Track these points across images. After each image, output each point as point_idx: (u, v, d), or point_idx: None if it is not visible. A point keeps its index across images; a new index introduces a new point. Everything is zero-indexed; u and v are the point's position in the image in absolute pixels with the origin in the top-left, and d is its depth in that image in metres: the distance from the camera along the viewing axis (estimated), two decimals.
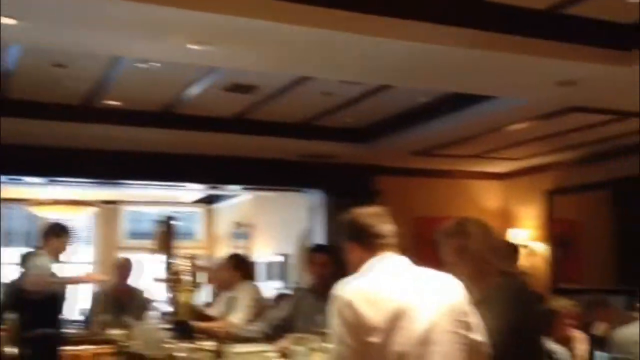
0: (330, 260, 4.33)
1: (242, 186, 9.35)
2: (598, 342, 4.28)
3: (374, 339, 2.12)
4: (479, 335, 2.30)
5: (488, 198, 9.23)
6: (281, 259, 9.80)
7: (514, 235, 8.84)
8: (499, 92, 5.74)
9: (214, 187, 9.88)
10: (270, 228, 10.42)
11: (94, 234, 11.50)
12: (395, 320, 2.15)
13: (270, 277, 9.90)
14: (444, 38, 4.31)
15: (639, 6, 4.30)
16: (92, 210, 10.37)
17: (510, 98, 5.84)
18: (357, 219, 2.41)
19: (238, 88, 5.97)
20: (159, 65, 5.15)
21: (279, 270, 9.82)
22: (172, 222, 5.77)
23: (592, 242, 8.34)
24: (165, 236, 5.52)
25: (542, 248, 8.69)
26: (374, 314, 2.14)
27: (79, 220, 10.46)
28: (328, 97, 6.28)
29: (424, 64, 4.76)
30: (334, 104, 6.53)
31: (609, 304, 5.96)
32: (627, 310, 4.55)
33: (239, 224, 11.17)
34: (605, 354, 3.86)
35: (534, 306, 2.64)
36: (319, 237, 8.09)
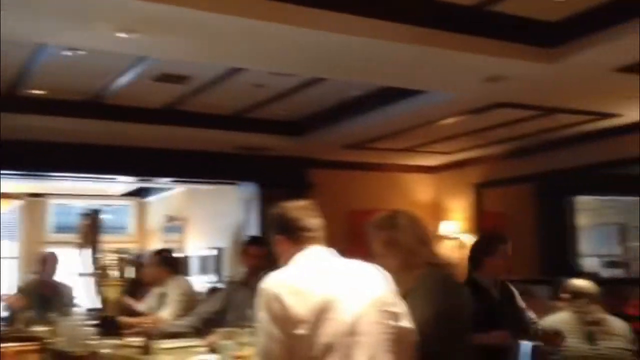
0: (264, 253, 4.32)
1: (173, 179, 9.21)
2: (524, 331, 4.40)
3: (301, 331, 2.13)
4: (406, 323, 2.33)
5: (419, 191, 9.39)
6: (215, 252, 9.71)
7: (445, 228, 9.03)
8: (429, 87, 5.82)
9: (144, 180, 9.69)
10: (203, 221, 10.31)
11: (19, 228, 11.12)
12: (322, 312, 2.16)
13: (204, 271, 9.80)
14: (375, 31, 4.34)
15: (563, 4, 4.44)
16: (16, 203, 10.02)
17: (440, 93, 5.93)
18: (284, 212, 2.44)
19: (169, 78, 5.86)
20: (84, 53, 4.99)
21: (212, 264, 9.73)
22: (97, 215, 5.62)
23: (519, 234, 8.58)
24: (91, 230, 5.37)
25: (471, 240, 8.88)
26: (301, 306, 2.15)
27: (3, 213, 10.09)
28: (261, 89, 6.24)
29: (355, 57, 4.79)
30: (267, 96, 6.49)
31: (533, 294, 6.15)
32: (550, 300, 4.70)
33: (171, 218, 11.01)
34: (529, 343, 3.97)
35: (460, 296, 2.68)
36: (253, 231, 8.05)
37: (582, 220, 9.22)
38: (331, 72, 5.38)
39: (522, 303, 3.98)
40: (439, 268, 2.73)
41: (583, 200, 9.26)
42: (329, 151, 8.24)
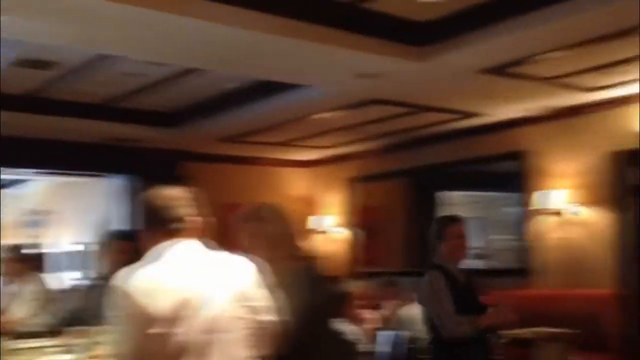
0: (130, 248, 4.16)
1: (35, 170, 8.69)
2: (387, 321, 4.52)
3: (156, 329, 2.03)
4: (269, 317, 2.30)
5: (295, 185, 9.44)
6: (82, 247, 9.29)
7: (319, 222, 9.14)
8: (304, 81, 5.85)
9: (5, 171, 9.08)
10: (70, 215, 9.84)
11: None
12: (179, 309, 2.07)
13: (69, 267, 9.35)
14: (250, 23, 4.30)
15: (433, 6, 4.59)
16: None
17: (316, 87, 5.98)
18: (152, 201, 2.28)
19: (33, 63, 5.53)
20: None
21: (79, 260, 9.30)
22: None
23: (391, 227, 8.84)
24: None
25: (345, 233, 9.05)
26: (156, 304, 2.04)
27: None
28: (133, 78, 6.02)
29: (230, 49, 4.73)
30: (139, 85, 6.27)
31: (399, 285, 6.34)
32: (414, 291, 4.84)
33: (33, 211, 10.42)
34: (387, 332, 4.08)
35: (325, 289, 2.70)
36: (123, 225, 7.77)
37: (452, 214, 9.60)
38: (206, 63, 5.29)
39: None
40: (305, 261, 2.73)
41: (452, 195, 9.67)
42: (204, 144, 8.11)
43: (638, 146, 6.13)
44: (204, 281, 2.18)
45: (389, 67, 5.20)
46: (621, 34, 4.53)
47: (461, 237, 3.62)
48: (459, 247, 3.61)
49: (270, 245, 2.66)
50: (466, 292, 3.59)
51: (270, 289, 2.42)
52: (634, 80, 5.72)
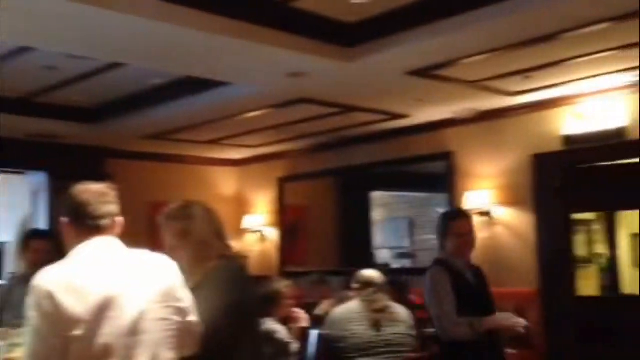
0: (49, 247, 4.06)
1: None
2: (318, 321, 4.52)
3: (77, 332, 1.95)
4: (192, 318, 2.26)
5: (223, 184, 9.34)
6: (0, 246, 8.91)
7: (248, 221, 9.07)
8: (232, 79, 5.78)
9: None
10: None
11: None
12: (101, 310, 2.00)
13: None
14: (176, 18, 4.21)
15: (362, 7, 4.61)
16: None
17: (244, 85, 5.92)
18: (75, 197, 2.20)
19: None
20: None
21: None
22: None
23: (320, 227, 8.87)
24: None
25: (275, 233, 9.02)
26: (77, 304, 1.97)
27: None
28: (53, 72, 5.80)
29: (154, 43, 4.61)
30: (59, 80, 6.04)
31: (329, 284, 6.38)
32: (345, 290, 4.87)
33: None
34: (317, 331, 4.08)
35: (252, 288, 2.66)
36: (43, 224, 7.50)
37: (379, 214, 9.73)
38: (129, 57, 5.14)
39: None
40: (232, 261, 2.69)
41: (379, 195, 9.79)
42: (128, 141, 7.91)
43: (559, 149, 6.35)
44: (128, 281, 2.12)
45: (318, 67, 5.20)
46: (544, 38, 4.67)
47: (468, 232, 3.47)
48: (466, 242, 3.47)
49: (197, 245, 2.60)
50: (474, 289, 3.45)
51: (195, 289, 2.37)
52: (556, 85, 5.92)
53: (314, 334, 4.03)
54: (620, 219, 6.90)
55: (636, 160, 6.02)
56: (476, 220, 6.83)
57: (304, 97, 6.23)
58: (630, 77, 5.72)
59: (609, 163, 6.44)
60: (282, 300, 4.16)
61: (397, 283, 5.59)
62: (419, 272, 7.97)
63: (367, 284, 4.05)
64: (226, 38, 4.50)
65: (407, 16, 4.66)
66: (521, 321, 3.30)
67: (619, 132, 6.01)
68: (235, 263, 2.69)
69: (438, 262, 3.47)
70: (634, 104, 5.95)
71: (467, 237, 3.46)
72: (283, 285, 4.27)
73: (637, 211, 6.40)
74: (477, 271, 3.53)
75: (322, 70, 5.28)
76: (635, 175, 5.92)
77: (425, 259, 9.26)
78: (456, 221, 3.48)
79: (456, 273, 3.40)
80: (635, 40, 4.75)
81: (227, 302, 2.47)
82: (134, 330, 2.06)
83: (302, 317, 4.28)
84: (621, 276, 6.74)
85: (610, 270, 6.66)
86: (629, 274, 6.75)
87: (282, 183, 8.96)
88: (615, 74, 5.65)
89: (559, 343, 6.09)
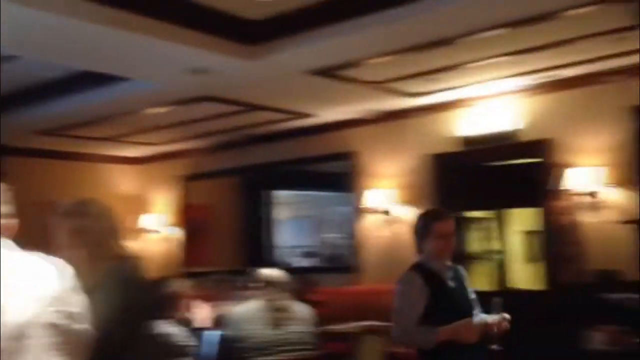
0: None
1: None
2: (218, 321, 4.46)
3: None
4: (82, 324, 2.16)
5: (122, 183, 9.07)
6: None
7: (149, 221, 8.86)
8: (131, 74, 5.62)
9: None
10: None
11: None
12: None
13: None
14: (72, 10, 4.05)
15: (266, 5, 4.59)
16: None
17: (145, 81, 5.77)
18: None
19: None
20: None
21: None
22: None
23: (224, 226, 8.78)
24: None
25: (175, 233, 8.84)
26: None
27: None
28: None
29: (49, 36, 4.43)
30: None
31: (232, 283, 6.30)
32: (246, 290, 4.83)
33: None
34: (217, 332, 4.03)
35: (146, 290, 2.59)
36: None
37: (282, 213, 9.75)
38: (23, 49, 4.91)
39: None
40: (127, 262, 2.60)
41: (282, 194, 9.81)
42: (21, 137, 7.54)
43: (456, 149, 6.57)
44: (14, 284, 2.00)
45: (221, 65, 5.14)
46: (443, 42, 4.81)
47: (450, 234, 3.27)
48: (447, 245, 3.26)
49: (92, 244, 2.49)
50: (453, 291, 3.25)
51: (87, 291, 2.28)
52: (454, 87, 6.11)
53: (213, 334, 3.97)
54: (512, 216, 7.20)
55: (527, 160, 6.31)
56: (377, 219, 6.99)
57: (207, 95, 6.15)
58: (523, 82, 5.99)
59: (502, 163, 6.71)
60: (181, 301, 4.08)
61: (299, 282, 5.60)
62: (322, 270, 8.11)
63: (268, 283, 4.03)
64: (125, 32, 4.38)
65: (311, 15, 4.69)
66: (474, 328, 3.09)
67: (512, 134, 6.28)
68: (130, 264, 2.60)
69: (414, 268, 3.28)
70: (526, 108, 6.23)
71: (448, 239, 3.27)
72: (183, 286, 4.19)
73: (528, 209, 6.70)
74: (456, 270, 3.37)
75: (224, 67, 5.22)
76: (525, 175, 6.20)
77: (329, 257, 9.40)
78: (439, 222, 3.26)
79: (434, 276, 3.22)
80: (527, 46, 4.98)
81: (119, 305, 2.38)
82: (20, 335, 1.95)
83: (201, 318, 4.21)
84: (514, 272, 7.04)
85: (501, 266, 6.97)
86: (520, 269, 7.06)
87: (185, 182, 8.80)
88: (509, 79, 5.89)
89: None
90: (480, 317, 3.27)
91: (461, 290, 3.33)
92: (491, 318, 3.18)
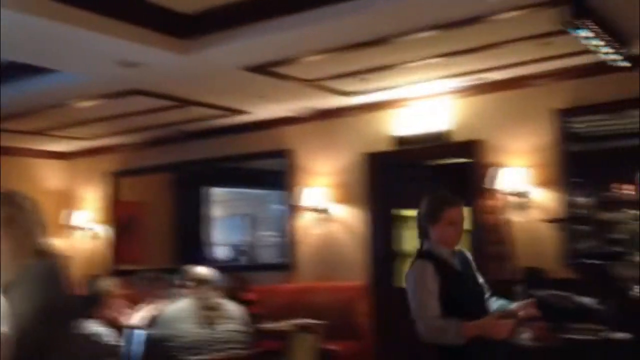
0: None
1: None
2: (148, 320, 4.37)
3: None
4: (3, 326, 2.07)
5: (49, 178, 8.79)
6: None
7: (77, 218, 8.61)
8: (59, 66, 5.45)
9: None
10: None
11: None
12: None
13: None
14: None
15: None
16: None
17: (73, 73, 5.59)
18: None
19: None
20: None
21: None
22: None
23: (156, 223, 8.61)
24: None
25: (105, 230, 8.63)
26: None
27: None
28: None
29: None
30: None
31: (163, 282, 6.17)
32: (177, 288, 4.75)
33: None
34: (144, 331, 3.95)
35: (68, 289, 2.50)
36: None
37: (217, 210, 9.64)
38: None
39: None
40: (49, 258, 2.50)
41: (217, 192, 9.70)
42: None
43: (389, 149, 6.64)
44: None
45: (152, 58, 5.03)
46: (378, 41, 4.84)
47: (461, 221, 3.12)
48: (457, 232, 3.11)
49: (20, 236, 2.39)
50: (463, 277, 3.12)
51: (8, 288, 2.19)
52: (389, 87, 6.17)
53: (142, 333, 3.89)
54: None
55: (458, 160, 6.43)
56: (311, 217, 6.99)
57: (137, 89, 6.01)
58: (455, 83, 6.10)
59: (435, 163, 6.82)
60: (108, 300, 3.97)
61: (233, 280, 5.55)
62: (257, 268, 8.06)
63: (200, 281, 3.98)
64: (54, 23, 4.25)
65: (246, 11, 4.65)
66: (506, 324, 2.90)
67: (444, 135, 6.39)
68: (52, 261, 2.51)
69: (422, 255, 3.11)
70: (457, 109, 6.35)
71: (458, 226, 3.11)
72: (110, 285, 4.08)
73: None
74: (462, 256, 3.20)
75: (156, 61, 5.12)
76: (456, 175, 6.31)
77: (264, 255, 9.35)
78: (450, 208, 3.09)
79: (443, 263, 3.06)
80: (459, 48, 5.07)
81: (40, 303, 2.30)
82: None
83: (129, 317, 4.12)
84: None
85: None
86: None
87: (116, 178, 8.60)
88: (442, 80, 5.99)
89: (385, 333, 6.35)
90: (500, 303, 3.13)
91: (470, 275, 3.18)
92: (516, 305, 3.04)
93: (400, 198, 6.73)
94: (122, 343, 3.85)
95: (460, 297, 3.00)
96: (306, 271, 7.05)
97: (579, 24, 4.25)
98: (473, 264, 3.23)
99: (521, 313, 2.99)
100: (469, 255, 3.24)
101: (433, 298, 2.96)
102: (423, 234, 3.16)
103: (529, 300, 3.07)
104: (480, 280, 3.22)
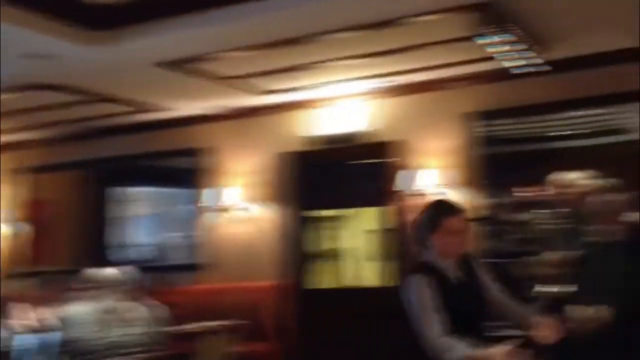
0: None
1: None
2: (46, 321, 4.20)
3: None
4: None
5: None
6: None
7: None
8: None
9: None
10: None
11: None
12: None
13: None
14: None
15: None
16: None
17: None
18: None
19: None
20: None
21: None
22: None
23: (63, 223, 8.29)
24: None
25: (10, 229, 8.24)
26: None
27: None
28: None
29: None
30: None
31: (63, 284, 5.94)
32: (77, 290, 4.58)
33: None
34: (45, 333, 3.80)
35: None
36: None
37: (129, 209, 9.38)
38: None
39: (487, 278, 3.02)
40: None
41: (130, 191, 9.43)
42: None
43: (303, 148, 6.63)
44: None
45: (60, 50, 4.83)
46: (296, 40, 4.82)
47: (463, 230, 2.93)
48: (459, 242, 2.93)
49: None
50: (463, 290, 2.91)
51: None
52: (304, 87, 6.16)
53: (39, 336, 3.73)
54: (359, 215, 7.37)
55: (374, 161, 6.48)
56: (223, 216, 6.90)
57: (45, 83, 5.77)
58: (372, 84, 6.15)
59: (351, 163, 6.86)
60: (7, 302, 3.79)
61: (141, 281, 5.40)
62: (168, 269, 7.88)
63: (102, 283, 3.85)
64: None
65: (162, 5, 4.54)
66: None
67: (361, 135, 6.43)
68: None
69: (421, 268, 2.92)
70: (375, 110, 6.41)
71: (460, 235, 2.93)
72: (13, 286, 3.90)
73: (374, 208, 6.87)
74: (467, 264, 3.02)
75: (64, 54, 4.93)
76: (372, 175, 6.37)
77: (174, 256, 9.16)
78: (451, 217, 2.92)
79: (441, 276, 2.89)
80: (377, 49, 5.11)
81: None
82: None
83: (30, 319, 3.95)
84: (362, 269, 7.21)
85: (347, 263, 7.14)
86: (366, 267, 7.24)
87: (20, 175, 8.22)
88: (360, 80, 6.03)
89: (292, 334, 6.34)
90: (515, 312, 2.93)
91: (473, 284, 2.97)
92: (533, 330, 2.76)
93: (317, 199, 6.73)
94: (15, 347, 3.68)
95: (459, 309, 2.82)
96: (217, 271, 6.94)
97: (487, 31, 4.36)
98: (480, 269, 3.04)
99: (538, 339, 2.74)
100: (475, 260, 3.06)
101: (434, 314, 2.80)
102: (421, 244, 2.99)
103: (550, 318, 2.81)
104: (490, 284, 3.02)
